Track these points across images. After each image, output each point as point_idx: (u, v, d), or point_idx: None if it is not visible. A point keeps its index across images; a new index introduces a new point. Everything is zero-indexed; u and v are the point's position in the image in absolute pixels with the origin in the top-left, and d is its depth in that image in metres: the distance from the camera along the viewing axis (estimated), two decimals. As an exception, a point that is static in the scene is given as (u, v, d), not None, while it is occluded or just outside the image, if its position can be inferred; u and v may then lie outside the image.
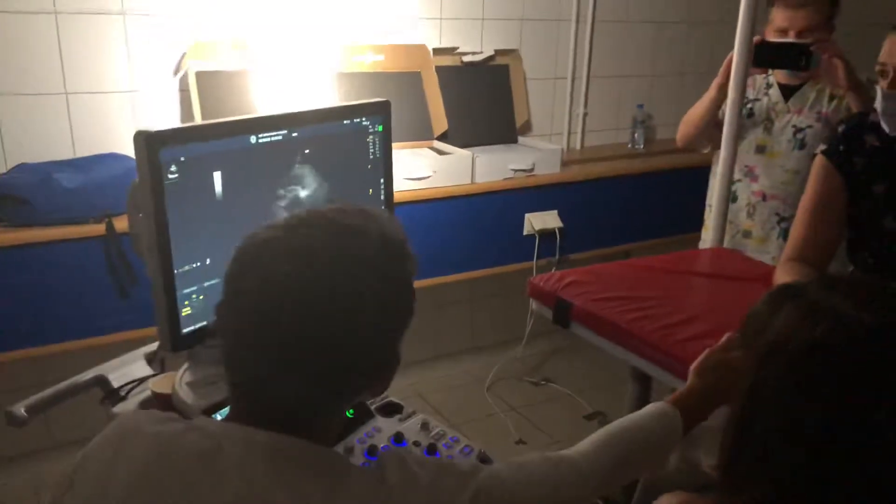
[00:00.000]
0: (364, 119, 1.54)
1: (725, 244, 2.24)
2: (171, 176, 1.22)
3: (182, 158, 1.23)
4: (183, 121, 2.54)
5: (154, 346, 1.78)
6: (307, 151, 1.43)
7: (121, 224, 2.22)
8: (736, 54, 2.05)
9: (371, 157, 1.57)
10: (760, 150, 2.32)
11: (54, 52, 2.32)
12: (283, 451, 0.84)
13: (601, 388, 3.17)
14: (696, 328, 1.43)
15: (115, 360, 1.71)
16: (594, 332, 1.49)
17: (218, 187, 1.30)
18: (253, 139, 1.34)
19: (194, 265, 1.30)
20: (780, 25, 2.11)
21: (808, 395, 0.77)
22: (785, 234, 2.27)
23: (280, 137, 1.38)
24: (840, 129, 1.66)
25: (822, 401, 0.77)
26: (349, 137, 1.53)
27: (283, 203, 1.42)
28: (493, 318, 3.37)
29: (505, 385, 3.26)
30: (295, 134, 1.40)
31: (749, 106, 2.30)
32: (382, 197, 1.62)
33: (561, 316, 1.55)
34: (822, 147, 1.67)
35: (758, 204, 2.34)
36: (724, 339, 1.24)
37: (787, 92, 2.28)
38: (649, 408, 1.15)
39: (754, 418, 0.81)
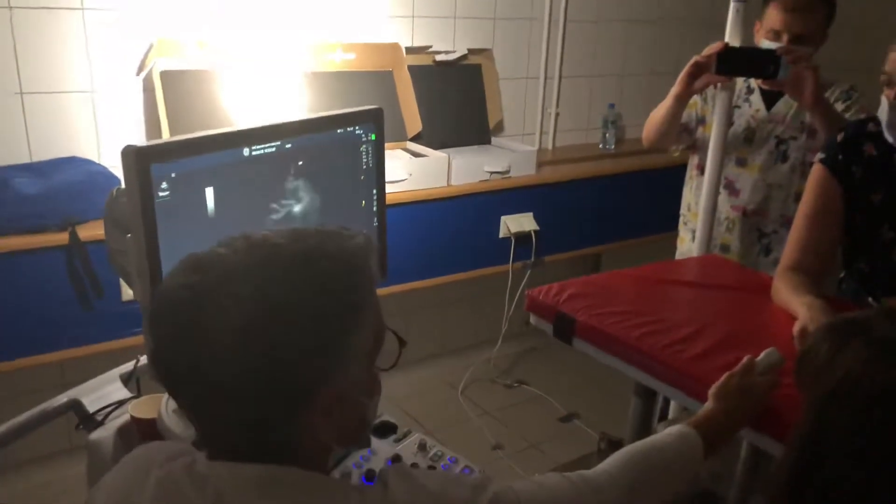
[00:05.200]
0: (357, 128, 1.47)
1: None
2: (161, 194, 1.13)
3: (173, 174, 1.14)
4: (147, 123, 2.42)
5: (129, 365, 1.68)
6: (300, 163, 1.35)
7: (85, 232, 2.10)
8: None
9: (364, 166, 1.50)
10: (741, 162, 2.18)
11: (9, 49, 2.17)
12: (275, 481, 0.79)
13: (575, 389, 3.15)
14: (703, 343, 1.40)
15: (88, 383, 1.60)
16: (599, 348, 1.45)
17: (210, 204, 1.22)
18: (246, 152, 1.26)
19: (185, 288, 1.21)
20: (773, 27, 1.99)
21: (886, 442, 0.73)
22: (766, 251, 2.21)
23: (273, 149, 1.30)
24: (839, 137, 1.64)
25: None
26: (342, 147, 1.45)
27: (276, 218, 1.34)
28: (467, 322, 3.33)
29: (478, 388, 3.22)
30: (288, 146, 1.32)
31: None
32: (375, 208, 1.55)
33: (562, 331, 1.50)
34: (821, 155, 1.65)
35: (738, 219, 2.22)
36: (743, 361, 1.22)
37: (770, 99, 2.14)
38: (671, 430, 1.13)
39: (819, 461, 0.77)
